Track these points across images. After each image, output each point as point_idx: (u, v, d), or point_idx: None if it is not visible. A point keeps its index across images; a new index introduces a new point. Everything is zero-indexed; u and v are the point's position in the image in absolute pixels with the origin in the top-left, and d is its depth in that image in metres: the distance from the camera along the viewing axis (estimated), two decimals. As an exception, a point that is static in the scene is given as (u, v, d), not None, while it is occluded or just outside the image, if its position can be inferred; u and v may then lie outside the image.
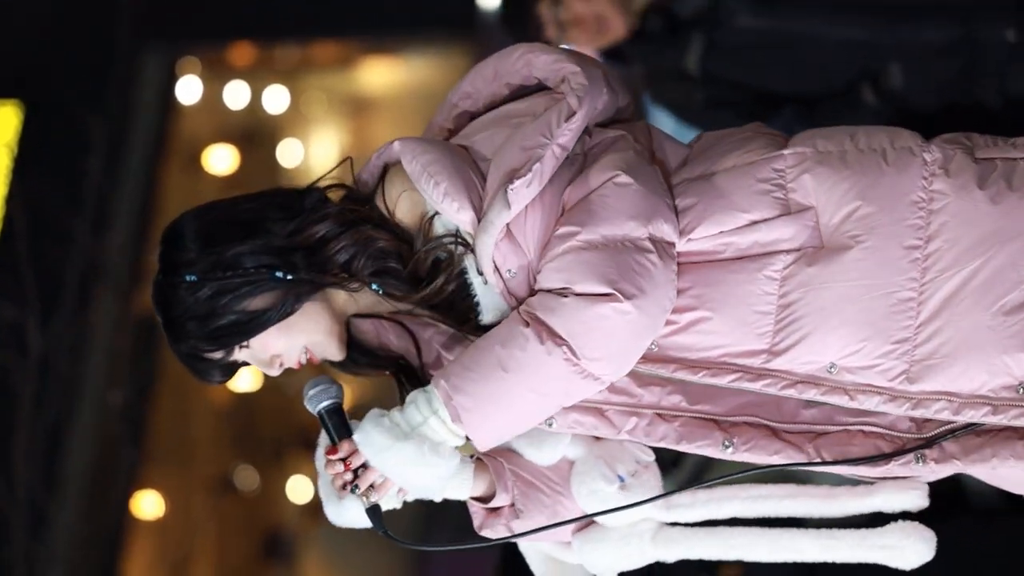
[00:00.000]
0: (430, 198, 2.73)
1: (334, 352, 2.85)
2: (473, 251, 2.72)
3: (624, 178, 2.71)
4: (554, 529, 2.91)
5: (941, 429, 2.69)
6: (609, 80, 2.89)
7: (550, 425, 2.78)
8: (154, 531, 10.24)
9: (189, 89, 10.92)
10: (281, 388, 10.98)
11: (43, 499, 6.89)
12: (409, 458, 2.66)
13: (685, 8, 4.76)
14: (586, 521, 2.93)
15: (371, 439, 2.68)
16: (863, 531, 2.82)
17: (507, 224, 2.67)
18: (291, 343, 2.80)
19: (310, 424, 10.98)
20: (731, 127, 4.89)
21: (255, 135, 11.33)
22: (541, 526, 2.86)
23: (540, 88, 2.91)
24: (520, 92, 2.93)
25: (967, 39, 4.50)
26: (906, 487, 2.78)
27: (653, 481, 2.89)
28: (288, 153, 11.34)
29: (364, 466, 2.71)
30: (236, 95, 11.15)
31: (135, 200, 10.13)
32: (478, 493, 2.89)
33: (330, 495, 2.80)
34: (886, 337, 2.64)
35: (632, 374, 2.74)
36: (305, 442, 11.12)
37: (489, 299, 2.76)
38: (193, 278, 2.76)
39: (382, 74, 11.31)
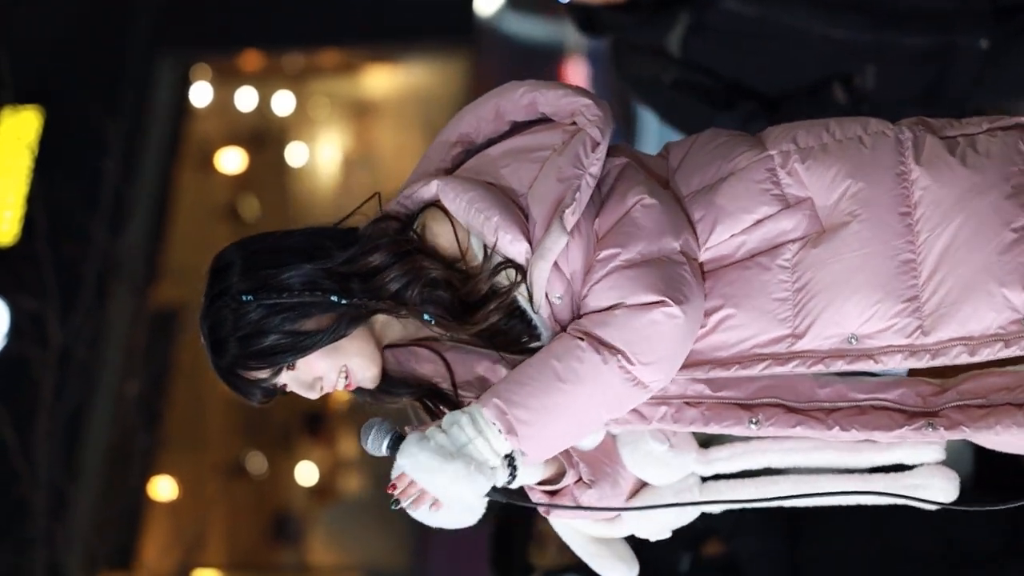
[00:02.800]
0: (480, 233, 2.73)
1: (371, 377, 2.80)
2: (525, 279, 2.73)
3: (649, 200, 2.75)
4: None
5: (947, 404, 2.73)
6: (611, 115, 2.92)
7: None
8: (169, 513, 10.24)
9: (201, 94, 10.91)
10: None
11: (64, 483, 6.86)
12: (458, 476, 2.64)
13: None
14: (636, 489, 2.95)
15: (418, 461, 2.65)
16: (893, 473, 2.88)
17: None
18: (334, 364, 2.75)
19: (317, 412, 10.96)
20: (691, 111, 4.88)
21: (263, 137, 11.32)
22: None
23: (539, 121, 2.93)
24: (520, 127, 2.93)
25: (946, 46, 4.49)
26: (924, 443, 2.85)
27: (689, 439, 2.93)
28: (295, 154, 11.34)
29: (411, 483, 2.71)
30: (245, 100, 11.14)
31: (150, 199, 10.12)
32: (548, 475, 2.86)
33: (425, 513, 2.74)
34: (896, 297, 2.69)
35: None
36: (312, 429, 11.13)
37: (543, 325, 2.76)
38: (249, 298, 2.71)
39: (384, 80, 11.30)
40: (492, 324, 2.76)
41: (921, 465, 2.88)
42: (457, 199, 2.75)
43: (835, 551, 5.00)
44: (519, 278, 2.72)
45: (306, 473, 11.08)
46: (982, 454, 4.91)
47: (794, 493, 2.90)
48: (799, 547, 5.04)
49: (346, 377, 2.78)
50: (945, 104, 4.56)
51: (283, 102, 11.26)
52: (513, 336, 2.77)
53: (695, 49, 4.66)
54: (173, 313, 9.79)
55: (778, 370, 2.72)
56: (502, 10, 10.10)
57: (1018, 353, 2.67)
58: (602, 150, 2.78)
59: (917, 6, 4.50)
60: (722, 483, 2.94)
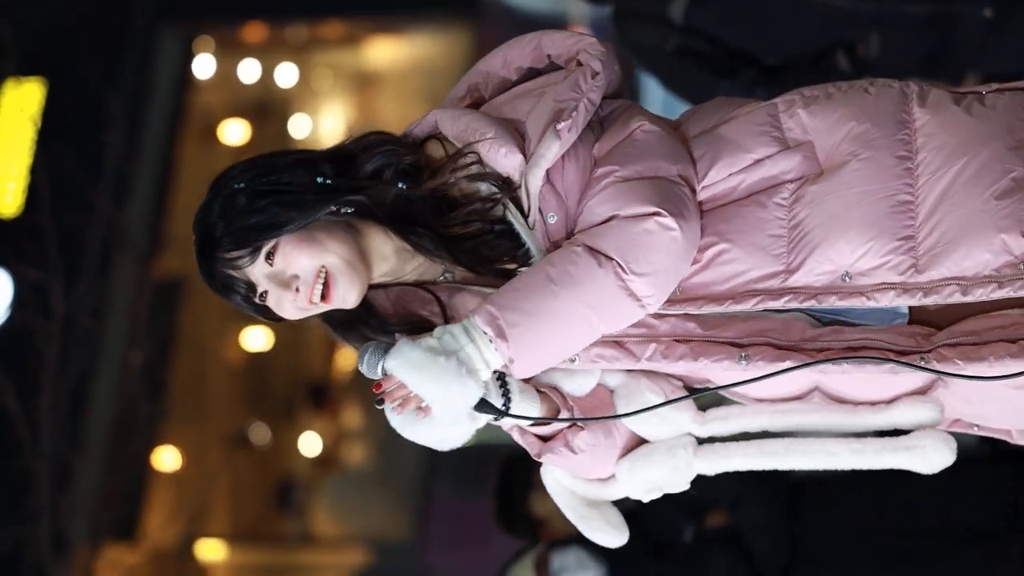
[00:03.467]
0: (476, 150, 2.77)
1: (351, 287, 2.75)
2: (508, 195, 2.75)
3: (649, 126, 2.78)
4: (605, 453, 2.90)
5: (940, 343, 2.71)
6: (616, 56, 2.95)
7: (572, 362, 2.79)
8: (172, 483, 10.25)
9: (204, 66, 10.89)
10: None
11: (67, 453, 6.86)
12: (446, 375, 2.61)
13: None
14: (631, 446, 2.93)
15: (407, 357, 2.62)
16: (887, 437, 2.84)
17: (547, 173, 2.72)
18: (313, 262, 2.73)
19: (321, 383, 10.94)
20: (692, 78, 4.87)
21: (267, 109, 11.32)
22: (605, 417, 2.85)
23: (549, 69, 2.94)
24: (529, 75, 2.95)
25: (947, 14, 4.47)
26: (920, 402, 2.81)
27: (686, 400, 2.89)
28: (298, 126, 11.34)
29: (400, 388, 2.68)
30: (249, 71, 11.13)
31: (153, 170, 10.11)
32: (543, 414, 2.82)
33: (411, 419, 2.68)
34: (891, 235, 2.68)
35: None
36: (315, 400, 11.13)
37: (535, 244, 2.76)
38: (240, 185, 2.73)
39: (387, 51, 11.28)
40: (473, 232, 2.76)
41: (917, 431, 2.83)
42: (454, 122, 2.79)
43: (836, 525, 4.99)
44: (507, 187, 2.73)
45: (310, 444, 11.10)
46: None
47: (787, 460, 2.87)
48: (800, 520, 5.03)
49: (325, 281, 2.74)
50: (949, 72, 4.55)
51: (286, 74, 11.24)
52: (499, 253, 2.75)
53: (698, 18, 4.64)
54: (176, 283, 9.78)
55: (771, 304, 2.71)
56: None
57: (1011, 294, 2.66)
58: (602, 79, 2.79)
59: None
60: (718, 444, 2.90)
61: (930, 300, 2.68)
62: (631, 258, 2.64)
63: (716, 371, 2.78)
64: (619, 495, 2.96)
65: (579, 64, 2.87)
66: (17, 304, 8.11)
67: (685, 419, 2.89)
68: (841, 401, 2.83)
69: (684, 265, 2.71)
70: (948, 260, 2.67)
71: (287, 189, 2.73)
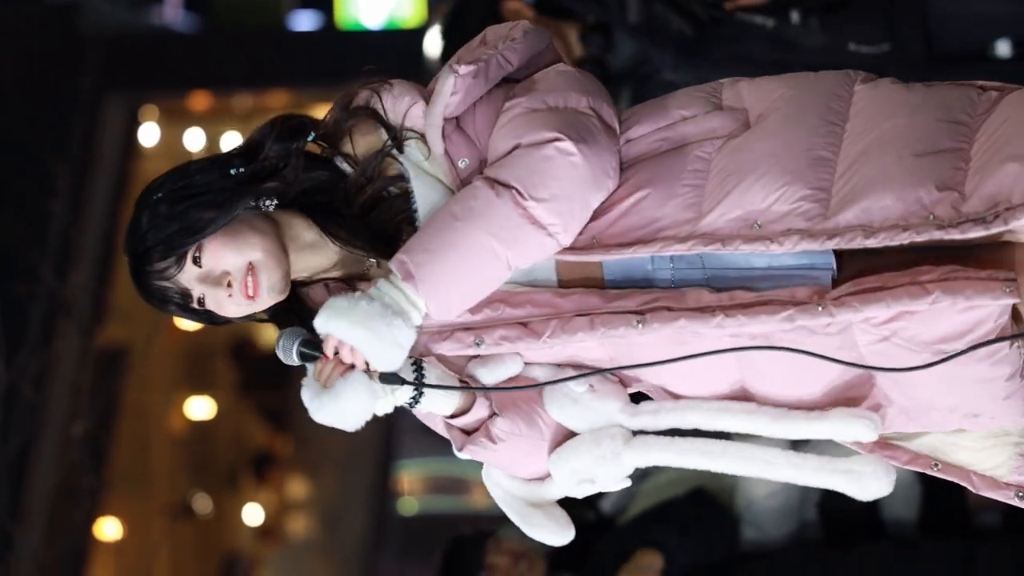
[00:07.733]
0: (386, 112, 2.80)
1: (277, 279, 2.79)
2: (398, 142, 2.78)
3: (564, 67, 2.83)
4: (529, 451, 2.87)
5: (841, 293, 2.67)
6: (553, 45, 2.98)
7: (479, 344, 2.79)
8: (114, 554, 10.18)
9: (149, 135, 10.91)
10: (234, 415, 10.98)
11: (8, 524, 6.83)
12: (371, 315, 2.64)
13: (618, 61, 4.74)
14: (560, 440, 2.87)
15: (333, 306, 2.68)
16: (827, 456, 2.81)
17: (458, 120, 2.75)
18: (239, 259, 2.77)
19: (265, 453, 10.89)
20: None
21: (212, 178, 11.31)
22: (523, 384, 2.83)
23: None
24: None
25: None
26: (856, 415, 2.77)
27: (616, 390, 2.87)
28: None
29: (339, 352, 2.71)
30: (194, 140, 11.15)
31: (97, 240, 10.09)
32: (459, 407, 2.83)
33: (318, 393, 2.72)
34: (804, 183, 2.68)
35: (555, 290, 2.80)
36: (259, 471, 11.10)
37: (428, 201, 2.77)
38: (159, 195, 2.80)
39: (332, 121, 11.31)
40: (370, 198, 2.79)
41: (858, 455, 2.82)
42: (370, 96, 2.82)
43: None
44: (399, 135, 2.76)
45: (252, 514, 11.04)
46: (928, 498, 4.90)
47: (723, 463, 2.83)
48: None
49: (252, 275, 2.77)
50: None
51: (232, 143, 11.22)
52: (392, 214, 2.79)
53: None
54: (120, 353, 9.75)
55: (676, 247, 2.70)
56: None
57: (914, 237, 2.63)
58: (520, 43, 2.80)
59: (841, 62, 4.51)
60: (652, 438, 2.85)
61: (833, 243, 2.65)
62: (529, 184, 2.65)
63: (614, 338, 2.76)
64: (557, 494, 2.93)
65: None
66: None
67: (613, 408, 2.86)
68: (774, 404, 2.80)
69: (591, 193, 2.70)
70: (856, 206, 2.66)
71: (204, 190, 2.78)
